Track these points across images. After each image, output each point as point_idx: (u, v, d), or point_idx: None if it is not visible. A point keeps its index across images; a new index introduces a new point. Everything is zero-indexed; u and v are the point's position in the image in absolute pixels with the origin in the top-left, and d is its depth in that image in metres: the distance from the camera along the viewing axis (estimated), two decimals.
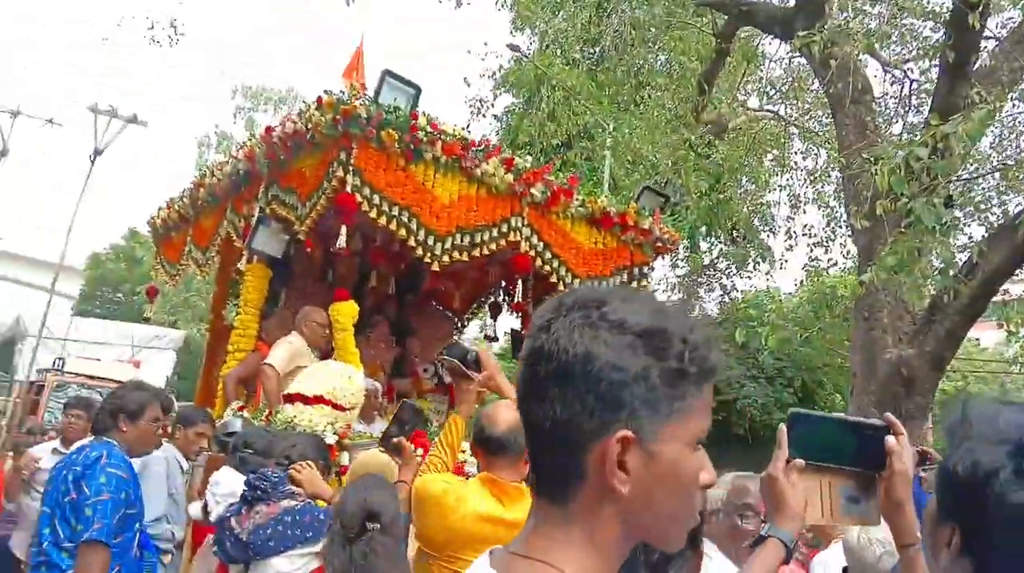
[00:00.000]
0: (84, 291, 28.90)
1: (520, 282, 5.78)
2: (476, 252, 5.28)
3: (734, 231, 17.06)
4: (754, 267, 14.80)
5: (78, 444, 3.31)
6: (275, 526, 2.78)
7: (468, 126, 13.32)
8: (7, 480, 5.46)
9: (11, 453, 5.91)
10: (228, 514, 2.93)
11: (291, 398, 4.26)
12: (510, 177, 5.39)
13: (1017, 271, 7.22)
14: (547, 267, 5.66)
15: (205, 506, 3.37)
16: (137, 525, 3.23)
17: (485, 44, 12.31)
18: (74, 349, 10.98)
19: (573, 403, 0.84)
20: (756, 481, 2.60)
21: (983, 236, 7.69)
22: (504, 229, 5.42)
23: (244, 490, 2.91)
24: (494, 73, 14.43)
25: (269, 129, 5.54)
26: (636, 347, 0.85)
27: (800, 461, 1.38)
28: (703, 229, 18.01)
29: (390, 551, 2.31)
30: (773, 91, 14.64)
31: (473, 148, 5.28)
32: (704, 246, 18.66)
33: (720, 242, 18.31)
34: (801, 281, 14.89)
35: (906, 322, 8.07)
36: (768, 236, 16.74)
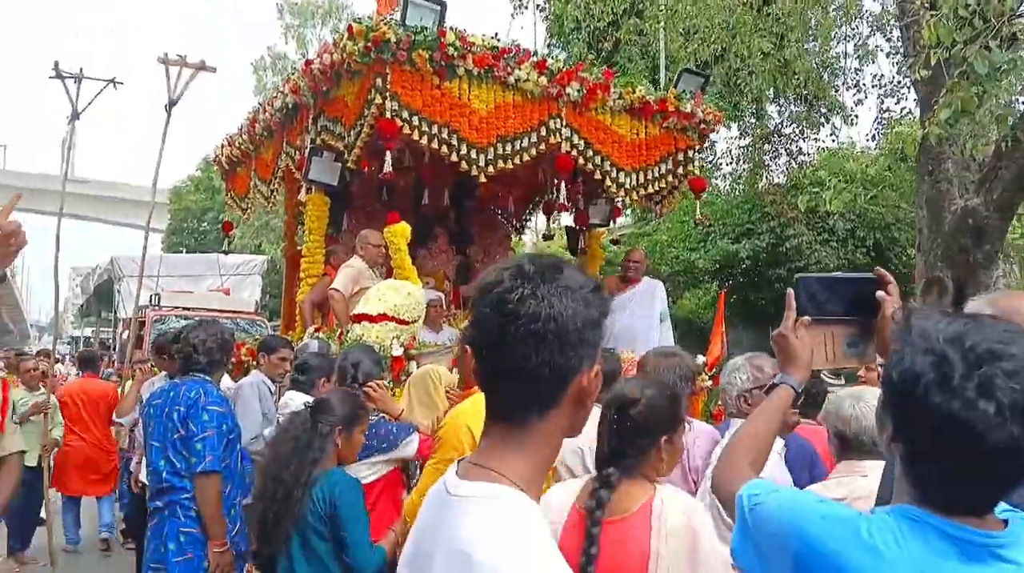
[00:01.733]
0: (171, 225, 30.18)
1: (562, 183, 5.91)
2: (518, 159, 5.44)
3: (803, 89, 16.44)
4: (818, 128, 14.34)
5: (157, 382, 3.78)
6: None
7: (512, 18, 13.11)
8: (125, 396, 6.30)
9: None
10: None
11: (358, 318, 4.62)
12: (544, 80, 5.46)
13: None
14: (590, 165, 5.77)
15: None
16: (238, 445, 3.71)
17: None
18: (166, 283, 11.73)
19: (565, 349, 1.07)
20: (765, 358, 2.78)
21: None
22: (543, 132, 5.54)
23: None
24: None
25: (308, 62, 5.74)
26: (591, 302, 1.10)
27: (806, 318, 1.62)
28: (770, 92, 17.39)
29: None
30: None
31: (504, 56, 5.35)
32: (772, 110, 18.06)
33: (790, 104, 17.66)
34: (873, 135, 14.42)
35: (972, 172, 7.87)
36: (838, 91, 16.09)
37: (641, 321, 6.19)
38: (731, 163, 15.45)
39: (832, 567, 1.13)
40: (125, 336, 10.83)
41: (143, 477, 4.80)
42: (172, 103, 12.91)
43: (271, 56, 28.64)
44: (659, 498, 1.99)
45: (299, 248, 6.98)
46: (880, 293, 1.60)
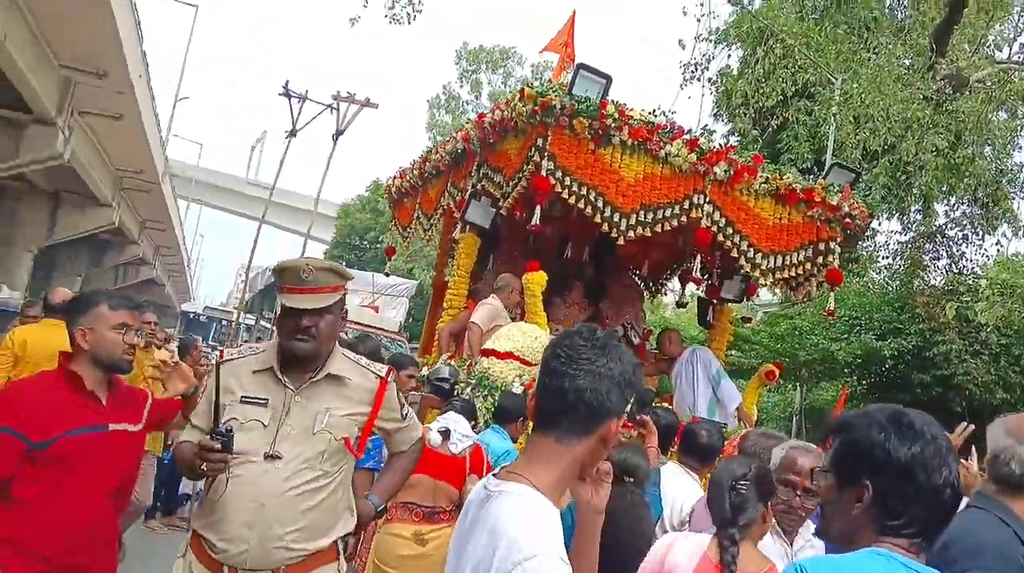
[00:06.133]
0: (335, 239, 32.14)
1: (698, 255, 6.16)
2: (658, 227, 5.75)
3: (977, 192, 15.79)
4: (983, 235, 13.75)
5: None
6: None
7: (681, 88, 13.44)
8: None
9: None
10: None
11: (487, 353, 5.06)
12: (693, 157, 5.77)
13: None
14: (728, 242, 5.99)
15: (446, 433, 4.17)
16: None
17: (700, 4, 12.30)
18: None
19: (609, 394, 1.48)
20: (811, 454, 2.78)
21: None
22: (686, 206, 5.82)
23: None
24: (711, 34, 14.35)
25: (481, 115, 6.32)
26: (633, 374, 1.53)
27: None
28: (943, 190, 16.80)
29: (637, 500, 2.97)
30: None
31: (659, 131, 5.72)
32: (940, 210, 17.41)
33: (963, 204, 16.98)
34: None
35: None
36: (1013, 200, 15.37)
37: (689, 388, 6.47)
38: (888, 257, 15.06)
39: None
40: None
41: None
42: (339, 133, 14.32)
43: (445, 95, 30.51)
44: None
45: (446, 280, 7.57)
46: None
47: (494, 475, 1.52)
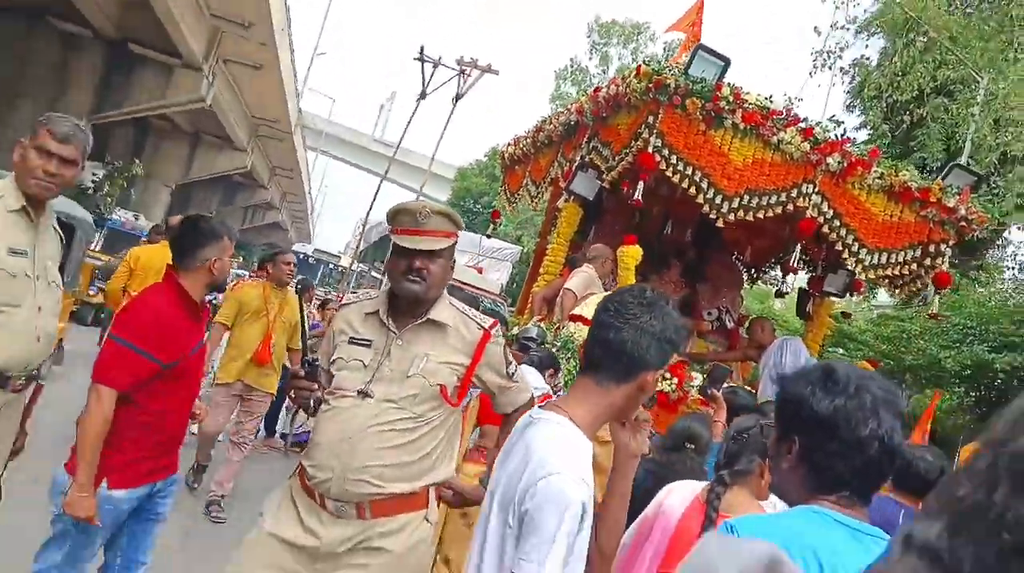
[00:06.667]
0: (450, 200, 32.84)
1: (799, 245, 6.11)
2: (761, 214, 5.75)
3: None
4: None
5: None
6: None
7: (810, 76, 13.06)
8: None
9: None
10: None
11: (575, 318, 5.24)
12: (806, 146, 5.72)
13: None
14: (834, 234, 5.92)
15: None
16: None
17: None
18: None
19: (650, 347, 1.66)
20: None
21: None
22: (793, 194, 5.78)
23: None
24: (847, 23, 13.84)
25: (597, 89, 6.44)
26: (676, 332, 1.71)
27: None
28: None
29: (696, 467, 3.09)
30: None
31: (773, 117, 5.70)
32: None
33: None
34: None
35: None
36: None
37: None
38: (1014, 268, 14.28)
39: None
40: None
41: None
42: (459, 96, 14.84)
43: (572, 67, 30.53)
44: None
45: (547, 246, 7.77)
46: None
47: (539, 406, 1.74)
